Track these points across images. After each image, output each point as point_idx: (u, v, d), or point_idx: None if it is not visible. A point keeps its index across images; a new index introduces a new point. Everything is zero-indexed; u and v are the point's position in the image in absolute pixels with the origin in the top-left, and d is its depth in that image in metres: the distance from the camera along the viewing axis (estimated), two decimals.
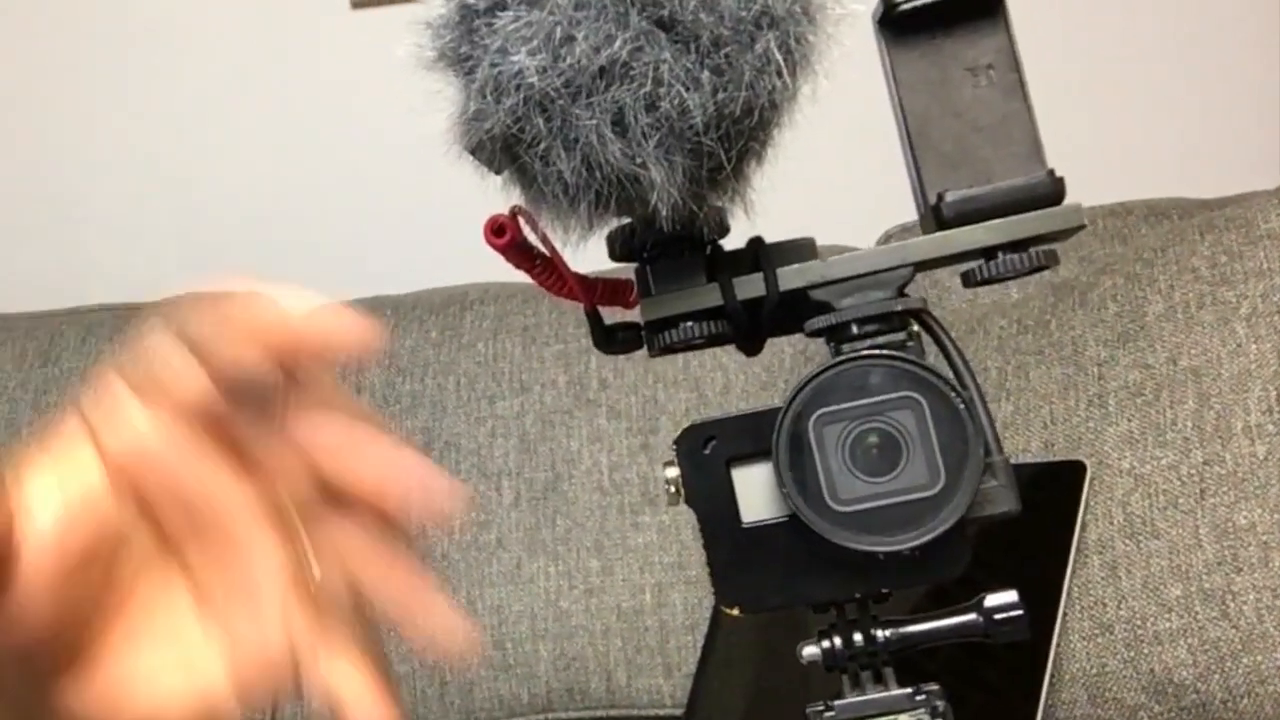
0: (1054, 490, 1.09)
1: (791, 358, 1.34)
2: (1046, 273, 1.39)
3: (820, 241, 0.51)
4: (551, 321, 1.41)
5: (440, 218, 1.64)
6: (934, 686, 0.47)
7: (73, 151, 1.75)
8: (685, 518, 1.32)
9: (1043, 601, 1.04)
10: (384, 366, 1.44)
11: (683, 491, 0.47)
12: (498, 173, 0.45)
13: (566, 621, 1.32)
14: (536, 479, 1.36)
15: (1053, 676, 1.02)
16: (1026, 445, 1.15)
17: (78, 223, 1.75)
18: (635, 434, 1.35)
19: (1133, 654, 1.04)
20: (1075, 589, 1.06)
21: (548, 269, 0.48)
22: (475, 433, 1.38)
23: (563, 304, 1.39)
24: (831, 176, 1.34)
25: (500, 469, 1.37)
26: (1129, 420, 1.10)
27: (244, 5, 1.73)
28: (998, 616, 0.48)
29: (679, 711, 1.30)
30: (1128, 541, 1.06)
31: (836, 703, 0.47)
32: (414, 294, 1.52)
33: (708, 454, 0.47)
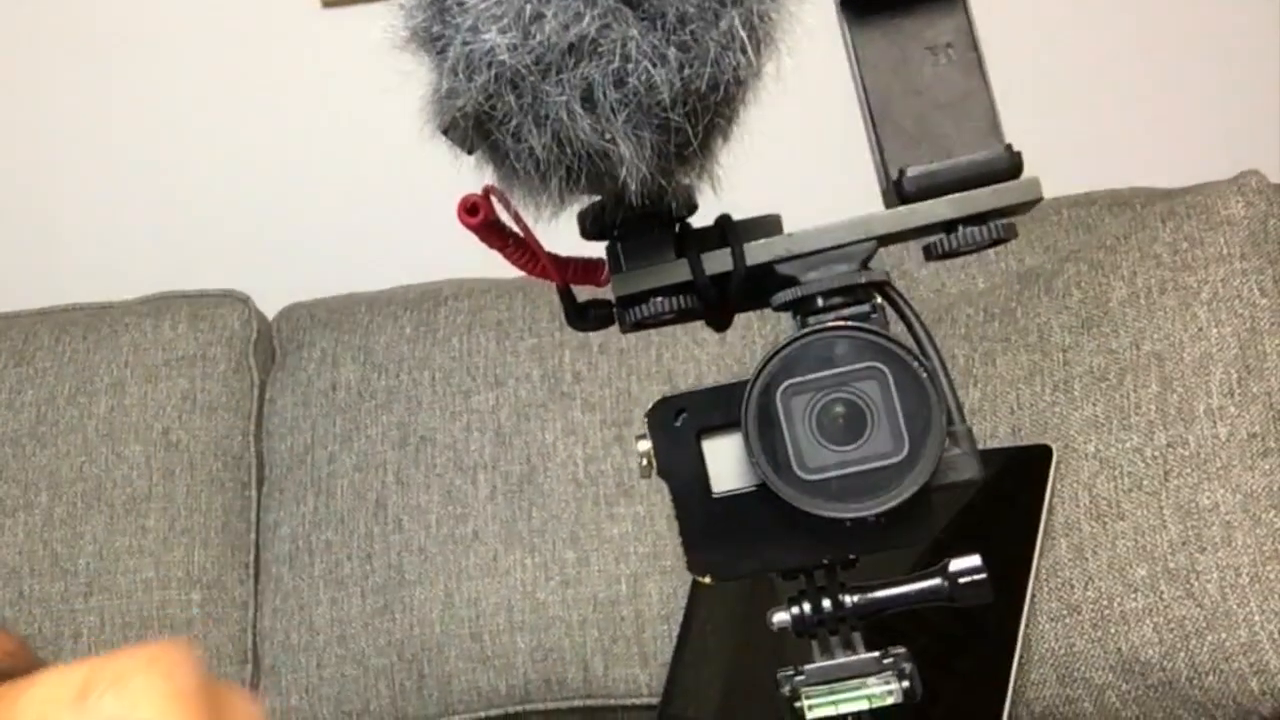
0: (1021, 474, 1.11)
1: (764, 348, 1.36)
2: (1013, 262, 1.40)
3: (785, 216, 0.52)
4: (525, 316, 1.42)
5: (413, 215, 1.65)
6: (901, 650, 0.48)
7: (46, 152, 1.75)
8: (660, 509, 1.33)
9: (1012, 583, 1.05)
10: (359, 362, 1.45)
11: (655, 464, 0.48)
12: (470, 152, 0.46)
13: (543, 613, 1.33)
14: (512, 472, 1.37)
15: (1022, 657, 1.04)
16: (994, 430, 1.16)
17: (51, 223, 1.75)
18: (609, 426, 1.36)
19: (1100, 634, 1.06)
20: (1043, 571, 1.08)
21: (520, 248, 0.49)
22: (451, 427, 1.39)
23: (536, 298, 1.41)
24: (794, 153, 1.35)
25: (476, 462, 1.38)
26: (1094, 404, 1.12)
27: (216, 6, 1.73)
28: (961, 580, 0.49)
29: (655, 700, 1.31)
30: (1094, 523, 1.08)
31: (806, 666, 0.48)
32: (388, 290, 1.53)
33: (679, 426, 0.48)
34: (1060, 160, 1.47)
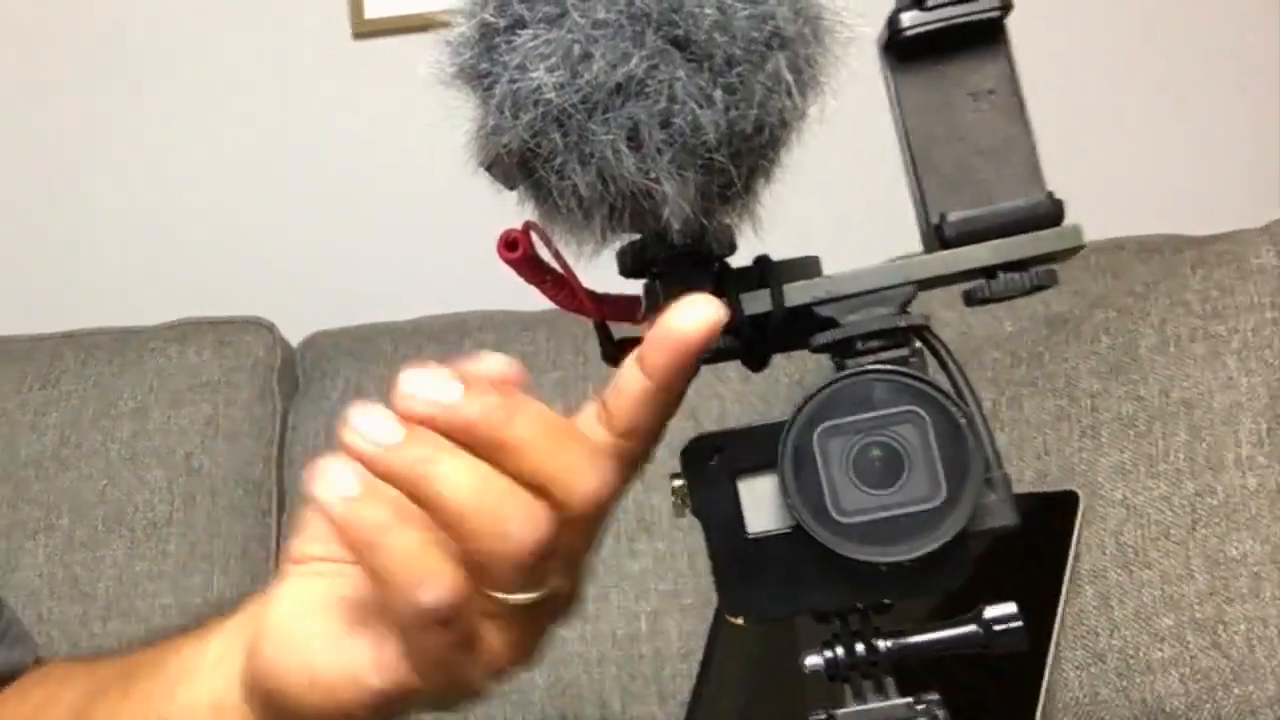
0: (1048, 520, 1.10)
1: (787, 386, 1.35)
2: (1040, 306, 1.40)
3: (824, 258, 0.52)
4: (550, 349, 1.42)
5: (440, 245, 1.66)
6: (934, 696, 0.48)
7: (74, 176, 1.77)
8: (681, 545, 1.32)
9: (1037, 630, 1.04)
10: (383, 393, 1.44)
11: (689, 502, 0.48)
12: (512, 188, 0.46)
13: (562, 648, 1.32)
14: None
15: (1046, 705, 1.03)
16: (1021, 475, 1.16)
17: (77, 246, 1.76)
18: None
19: (1125, 683, 1.05)
20: (1069, 618, 1.07)
21: (559, 284, 0.49)
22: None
23: (560, 332, 1.41)
24: (835, 195, 1.35)
25: None
26: (1122, 451, 1.11)
27: (246, 35, 1.75)
28: (997, 628, 0.48)
29: None
30: (1120, 571, 1.07)
31: (838, 712, 0.48)
32: (414, 320, 1.53)
33: (714, 465, 0.48)
34: (1090, 205, 1.46)
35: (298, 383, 1.54)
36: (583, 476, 0.43)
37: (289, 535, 0.51)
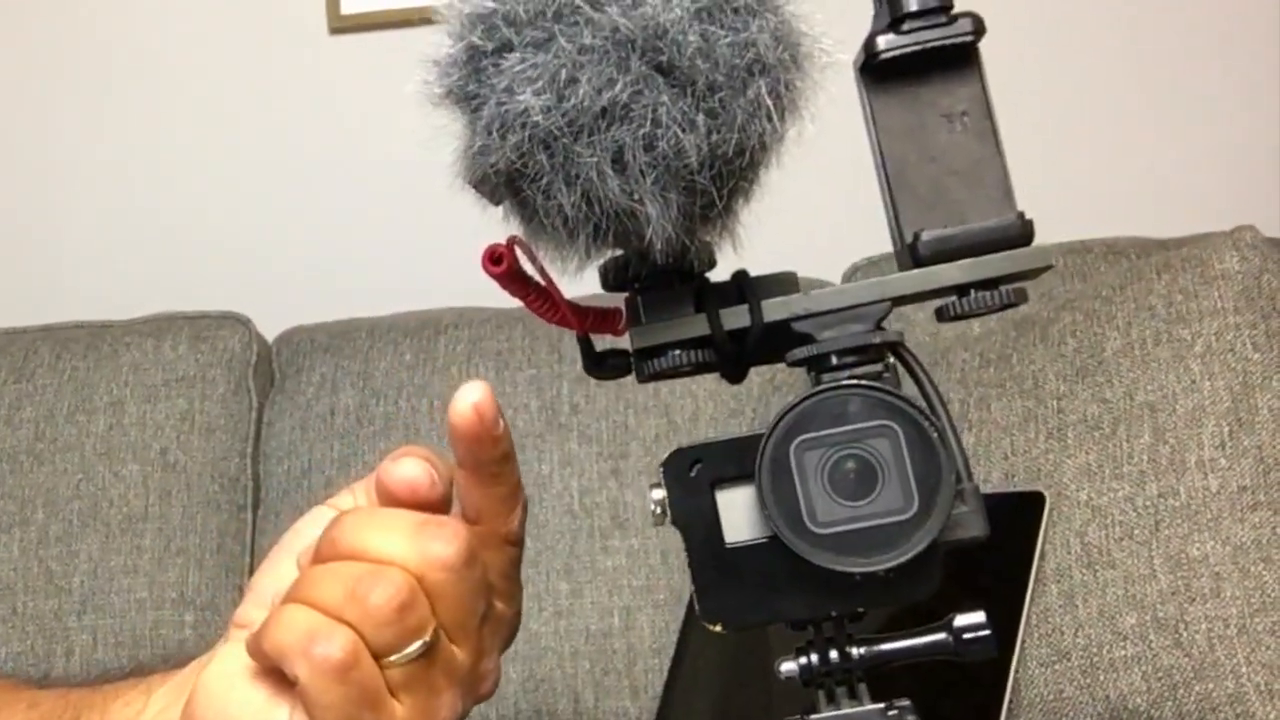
0: (1014, 520, 1.12)
1: (759, 386, 1.37)
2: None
3: (802, 275, 0.54)
4: (524, 347, 1.43)
5: (416, 241, 1.66)
6: (905, 702, 0.49)
7: (51, 170, 1.76)
8: (654, 543, 1.34)
9: (1002, 629, 1.06)
10: (358, 388, 1.46)
11: (669, 512, 0.49)
12: (498, 204, 0.47)
13: (536, 643, 1.33)
14: None
15: (1011, 702, 1.05)
16: (988, 476, 1.17)
17: (52, 240, 1.76)
18: (606, 459, 1.36)
19: (1089, 681, 1.07)
20: (1034, 617, 1.09)
21: (542, 296, 0.50)
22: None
23: (535, 330, 1.42)
24: (813, 214, 1.37)
25: None
26: (1087, 453, 1.13)
27: (222, 30, 1.75)
28: (966, 636, 0.50)
29: None
30: (1085, 571, 1.09)
31: (812, 717, 0.49)
32: (389, 317, 1.53)
33: (693, 476, 0.49)
34: (1057, 206, 1.48)
35: (273, 378, 1.54)
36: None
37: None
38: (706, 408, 1.37)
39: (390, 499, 0.50)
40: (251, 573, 1.44)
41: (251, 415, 1.49)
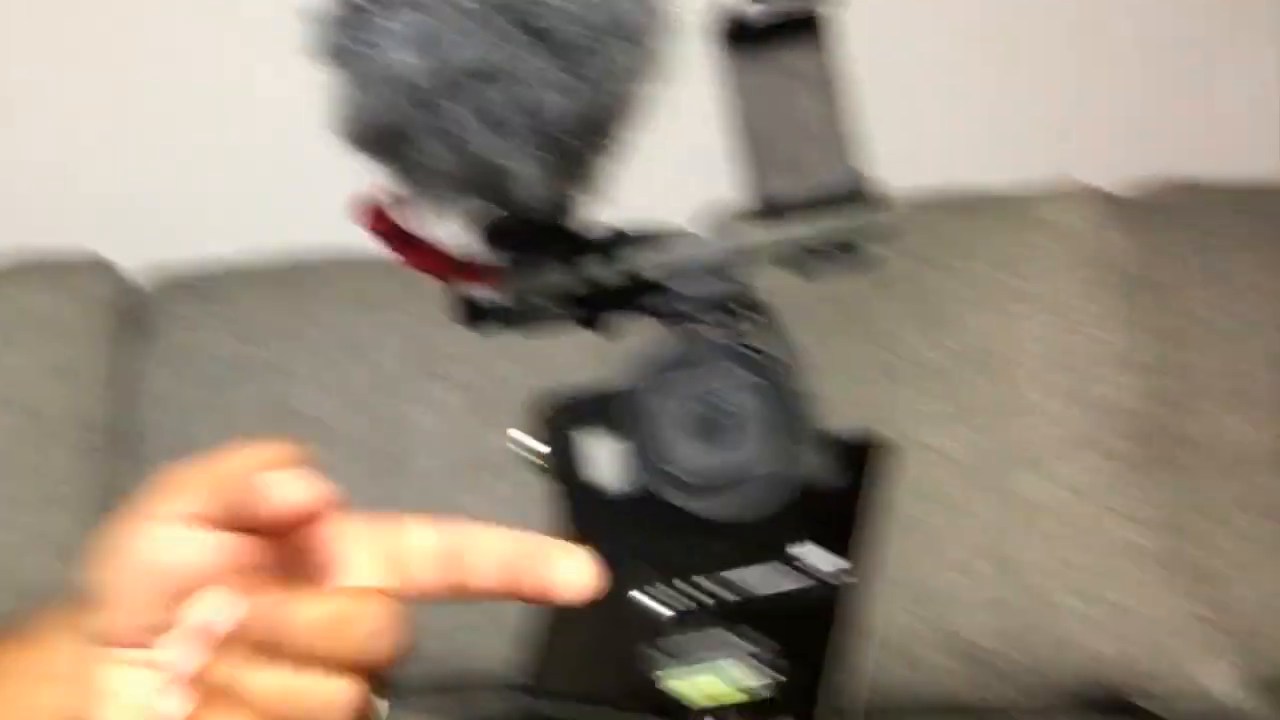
0: (860, 463, 1.17)
1: (633, 346, 1.39)
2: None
3: (646, 218, 0.56)
4: (396, 292, 1.43)
5: (290, 185, 1.63)
6: (762, 635, 0.53)
7: None
8: (524, 488, 1.35)
9: (850, 567, 1.11)
10: (229, 333, 1.44)
11: (535, 458, 0.52)
12: (372, 158, 0.48)
13: None
14: (380, 448, 1.38)
15: (850, 633, 1.10)
16: (832, 420, 1.22)
17: None
18: (478, 406, 1.38)
19: (927, 614, 1.13)
20: (880, 556, 1.15)
21: (415, 249, 0.52)
22: (319, 400, 1.39)
23: (409, 276, 1.41)
24: (664, 164, 1.39)
25: (345, 438, 1.39)
26: (927, 397, 1.19)
27: None
28: (817, 575, 0.53)
29: (515, 671, 1.34)
30: (925, 511, 1.15)
31: (675, 651, 0.52)
32: (259, 259, 1.51)
33: (560, 423, 0.52)
34: (900, 157, 1.53)
35: (141, 322, 1.51)
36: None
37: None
38: (574, 355, 1.39)
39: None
40: None
41: (119, 361, 1.46)
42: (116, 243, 1.54)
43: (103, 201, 1.67)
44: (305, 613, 0.41)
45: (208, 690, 0.42)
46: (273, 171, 1.64)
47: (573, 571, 0.45)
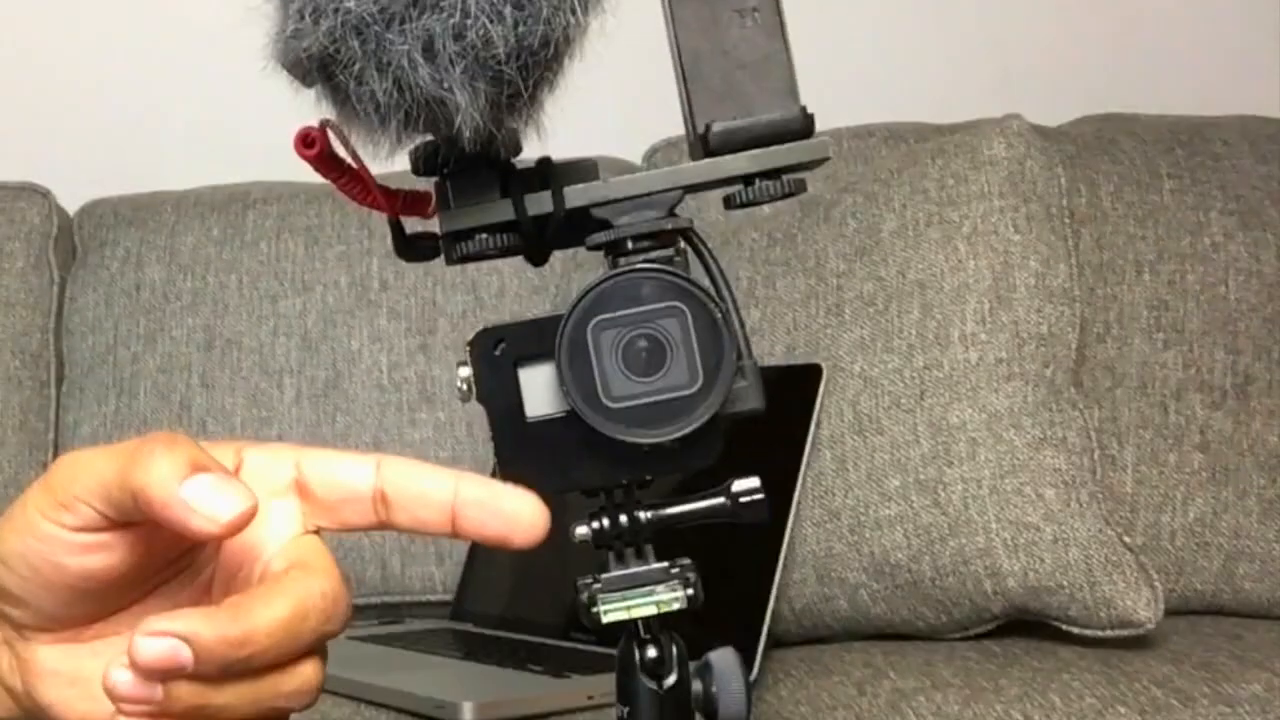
0: (793, 390, 1.19)
1: (562, 264, 1.40)
2: None
3: (590, 152, 0.57)
4: (334, 223, 1.42)
5: (223, 113, 1.61)
6: (687, 561, 0.54)
7: None
8: (460, 416, 1.37)
9: (779, 491, 1.14)
10: (164, 262, 1.43)
11: (474, 389, 0.52)
12: (310, 88, 0.48)
13: None
14: (318, 377, 1.38)
15: (786, 558, 1.13)
16: (771, 349, 1.24)
17: None
18: (414, 334, 1.38)
19: (856, 538, 1.16)
20: (809, 480, 1.17)
21: (354, 180, 0.51)
22: (257, 331, 1.39)
23: (344, 206, 1.41)
24: (607, 97, 1.39)
25: (282, 367, 1.39)
26: (862, 328, 1.21)
27: None
28: (742, 500, 0.54)
29: (449, 597, 1.36)
30: (856, 437, 1.17)
31: (603, 575, 0.53)
32: (195, 190, 1.50)
33: (498, 355, 0.52)
34: (842, 91, 1.54)
35: (75, 251, 1.50)
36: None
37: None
38: (512, 285, 1.40)
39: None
40: (56, 449, 1.42)
41: (53, 290, 1.45)
42: (56, 176, 1.52)
43: (43, 134, 1.63)
44: (263, 618, 0.39)
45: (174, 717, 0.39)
46: (215, 106, 1.62)
47: (525, 516, 0.45)
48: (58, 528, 0.40)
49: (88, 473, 0.40)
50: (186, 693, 0.39)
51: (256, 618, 0.39)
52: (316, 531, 0.46)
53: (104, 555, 0.41)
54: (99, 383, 1.41)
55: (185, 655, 0.38)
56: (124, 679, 0.38)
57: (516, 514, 0.45)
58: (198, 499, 0.38)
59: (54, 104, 1.64)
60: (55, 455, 1.42)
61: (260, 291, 1.41)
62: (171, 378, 1.40)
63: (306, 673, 0.41)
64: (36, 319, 1.44)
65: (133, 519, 0.40)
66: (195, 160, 1.59)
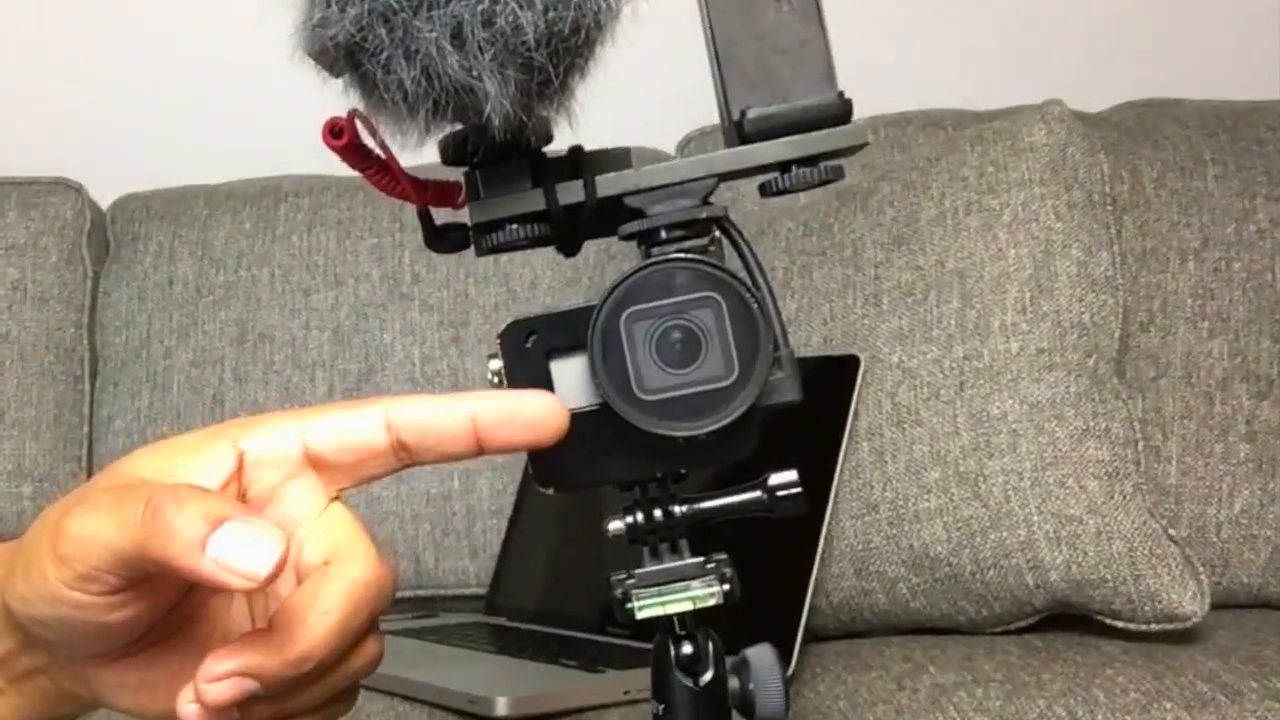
0: (830, 382, 1.18)
1: (595, 256, 1.39)
2: None
3: (624, 142, 0.56)
4: (366, 215, 1.42)
5: (255, 107, 1.61)
6: (722, 556, 0.53)
7: None
8: None
9: (817, 484, 1.12)
10: (197, 256, 1.44)
11: (506, 382, 0.51)
12: (338, 77, 0.47)
13: (378, 507, 1.36)
14: (350, 370, 1.38)
15: (823, 552, 1.11)
16: (808, 340, 1.23)
17: None
18: (447, 327, 1.38)
19: (895, 531, 1.15)
20: (846, 472, 1.16)
21: (382, 170, 0.51)
22: (289, 324, 1.39)
23: (376, 198, 1.41)
24: (640, 84, 1.38)
25: (314, 360, 1.39)
26: (900, 318, 1.19)
27: None
28: (780, 494, 0.53)
29: (483, 590, 1.36)
30: (894, 429, 1.16)
31: (638, 571, 0.53)
32: (227, 184, 1.50)
33: (529, 347, 0.51)
34: (880, 79, 1.53)
35: (108, 246, 1.51)
36: None
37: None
38: (545, 276, 1.39)
39: None
40: (90, 443, 1.43)
41: (86, 285, 1.47)
42: (89, 170, 1.52)
43: (76, 129, 1.64)
44: (318, 630, 0.39)
45: None
46: (247, 99, 1.62)
47: (548, 417, 0.45)
48: (85, 596, 0.39)
49: (99, 544, 0.38)
50: (261, 708, 0.39)
51: (311, 632, 0.39)
52: (338, 497, 0.45)
53: (139, 603, 0.40)
54: (132, 377, 1.42)
55: (252, 686, 0.38)
56: (194, 711, 0.38)
57: (540, 417, 0.45)
58: (229, 558, 0.37)
59: (87, 99, 1.65)
60: (90, 450, 1.43)
61: (292, 285, 1.41)
62: (204, 372, 1.40)
63: (370, 649, 0.42)
64: (70, 314, 1.45)
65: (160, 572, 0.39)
66: (227, 154, 1.59)
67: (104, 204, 1.52)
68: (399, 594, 1.35)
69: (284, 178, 1.48)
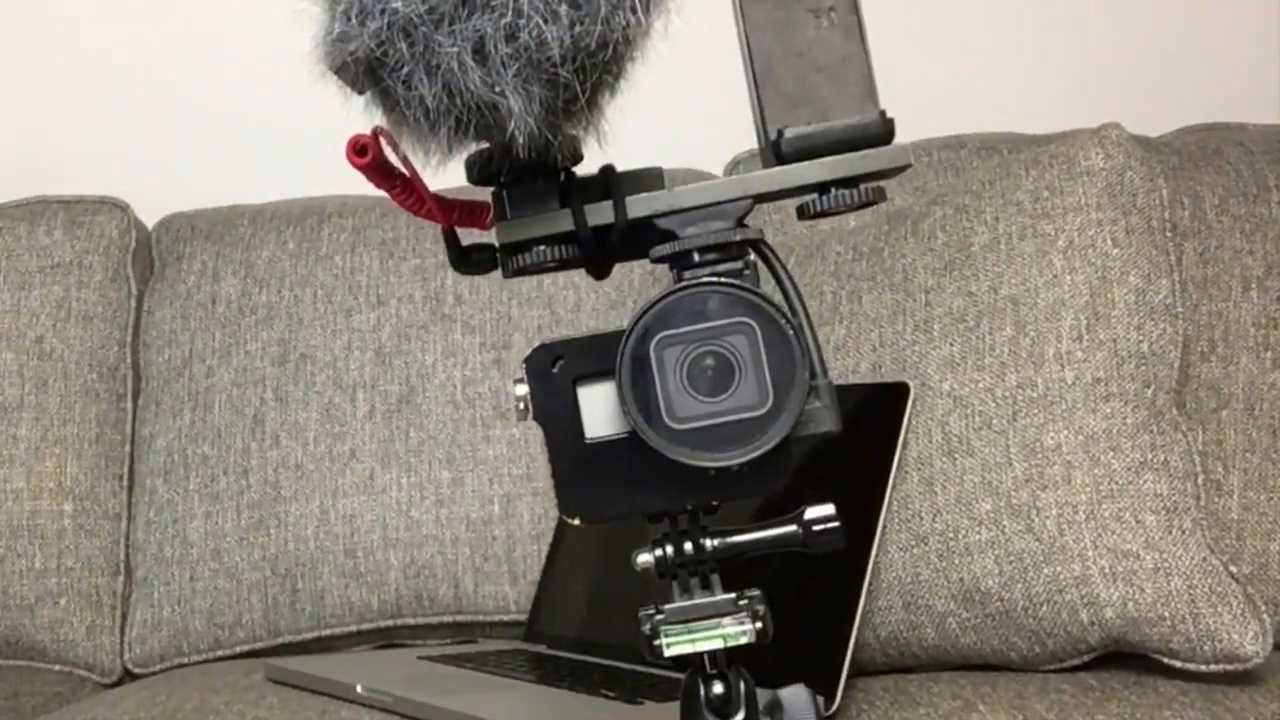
0: (879, 410, 1.15)
1: (640, 278, 1.38)
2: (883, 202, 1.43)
3: (668, 165, 0.54)
4: (409, 236, 1.43)
5: (298, 127, 1.61)
6: (755, 592, 0.51)
7: None
8: (535, 432, 1.35)
9: (864, 514, 1.10)
10: (240, 276, 1.45)
11: (531, 408, 0.50)
12: (360, 93, 0.46)
13: (417, 531, 1.35)
14: (391, 391, 1.38)
15: (870, 584, 1.09)
16: (856, 367, 1.20)
17: None
18: (489, 349, 1.37)
19: (944, 564, 1.12)
20: (895, 503, 1.13)
21: (407, 189, 0.50)
22: (331, 345, 1.40)
23: (422, 220, 1.40)
24: (679, 104, 1.36)
25: (355, 381, 1.39)
26: (951, 345, 1.16)
27: None
28: (816, 528, 0.52)
29: (523, 617, 1.35)
30: (945, 459, 1.13)
31: (666, 606, 0.51)
32: (271, 204, 1.51)
33: (556, 373, 0.50)
34: (933, 101, 1.50)
35: (153, 265, 1.52)
36: None
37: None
38: (589, 299, 1.38)
39: None
40: (131, 461, 1.44)
41: (130, 303, 1.48)
42: (135, 190, 1.54)
43: (122, 149, 1.66)
44: None
45: None
46: (291, 120, 1.62)
47: None
48: None
49: None
50: None
51: None
52: None
53: None
54: (174, 396, 1.43)
55: None
56: None
57: None
58: None
59: (133, 119, 1.67)
60: (131, 468, 1.43)
61: (335, 305, 1.41)
62: (246, 391, 1.40)
63: None
64: (114, 332, 1.46)
65: None
66: (271, 174, 1.60)
67: (149, 223, 1.54)
68: (438, 619, 1.36)
69: (328, 198, 1.48)
